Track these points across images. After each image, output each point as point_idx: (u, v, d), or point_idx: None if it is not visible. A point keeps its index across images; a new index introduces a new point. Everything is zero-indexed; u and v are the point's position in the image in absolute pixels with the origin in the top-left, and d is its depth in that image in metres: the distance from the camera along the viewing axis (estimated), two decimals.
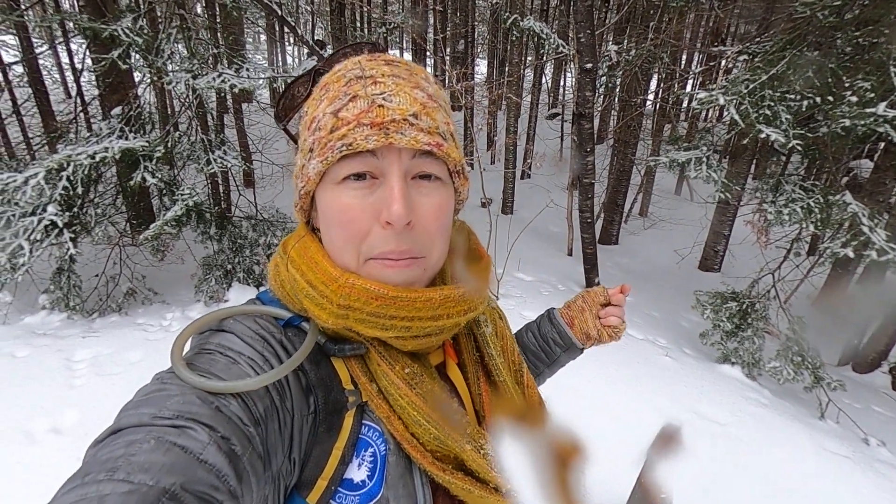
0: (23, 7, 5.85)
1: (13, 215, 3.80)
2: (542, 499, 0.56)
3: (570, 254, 6.90)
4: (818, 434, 3.31)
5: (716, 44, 6.54)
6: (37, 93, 6.31)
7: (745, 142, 3.92)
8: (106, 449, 0.38)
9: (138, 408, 0.42)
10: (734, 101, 3.37)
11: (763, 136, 3.32)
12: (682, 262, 7.25)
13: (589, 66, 4.12)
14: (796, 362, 3.88)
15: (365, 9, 8.84)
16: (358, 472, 0.53)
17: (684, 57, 10.65)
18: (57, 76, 9.73)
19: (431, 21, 9.46)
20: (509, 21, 4.62)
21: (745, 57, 4.08)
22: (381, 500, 0.53)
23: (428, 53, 9.20)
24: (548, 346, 0.93)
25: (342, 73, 0.55)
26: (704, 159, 3.91)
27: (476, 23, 13.28)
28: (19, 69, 6.91)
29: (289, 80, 0.67)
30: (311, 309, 0.54)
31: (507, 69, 7.56)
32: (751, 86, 3.43)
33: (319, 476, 0.52)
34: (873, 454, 3.33)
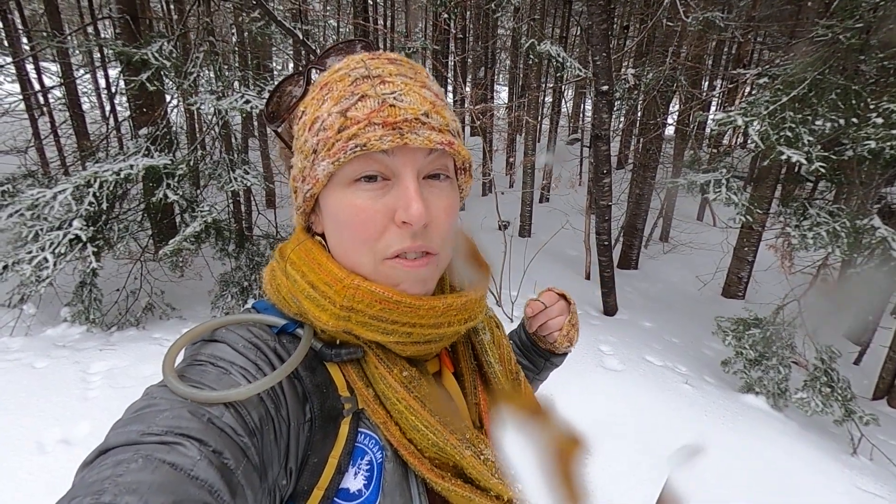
0: (65, 33, 6.20)
1: (41, 229, 3.94)
2: (547, 493, 0.55)
3: (587, 277, 6.80)
4: (850, 471, 3.12)
5: (736, 69, 6.50)
6: (73, 115, 6.63)
7: (765, 163, 3.83)
8: (94, 471, 0.37)
9: (127, 426, 0.41)
10: (753, 121, 3.32)
11: (784, 157, 3.25)
12: (705, 288, 7.07)
13: (605, 88, 4.12)
14: (825, 394, 3.69)
15: (389, 36, 9.10)
16: (354, 482, 0.52)
17: (706, 82, 10.61)
18: (95, 100, 10.23)
19: (452, 47, 9.69)
20: (526, 45, 4.69)
21: (766, 80, 4.03)
22: None
23: (448, 79, 9.39)
24: (532, 354, 0.90)
25: (345, 71, 0.54)
26: (724, 182, 3.84)
27: (497, 50, 13.53)
28: (58, 93, 7.26)
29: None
30: (311, 310, 0.53)
31: (526, 93, 7.64)
32: (770, 107, 3.37)
33: (315, 486, 0.51)
34: None
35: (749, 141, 3.53)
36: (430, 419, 0.53)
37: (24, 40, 8.51)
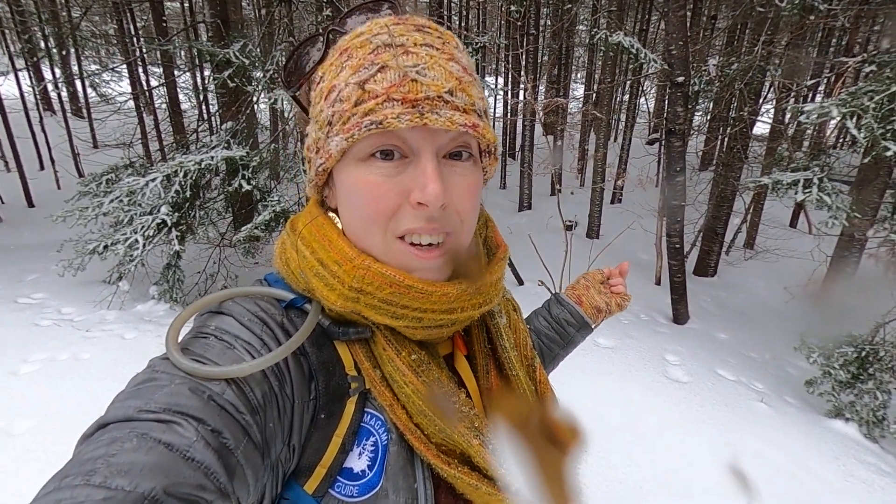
0: (166, 37, 6.82)
1: (136, 214, 4.36)
2: (534, 486, 0.53)
3: (657, 283, 6.42)
4: None
5: (842, 57, 5.81)
6: (172, 112, 7.30)
7: (866, 161, 3.39)
8: (90, 446, 0.37)
9: (126, 400, 0.41)
10: (852, 113, 2.94)
11: (889, 153, 2.86)
12: (794, 300, 6.42)
13: (681, 79, 3.85)
14: None
15: (460, 32, 9.14)
16: (358, 462, 0.51)
17: (808, 73, 9.59)
18: (194, 98, 11.21)
19: (523, 43, 9.54)
20: (597, 36, 4.50)
21: (873, 68, 3.56)
22: (380, 492, 0.51)
23: (522, 80, 9.26)
24: (561, 327, 0.95)
25: (367, 37, 0.50)
26: (815, 181, 3.43)
27: (575, 47, 13.10)
28: (159, 91, 8.02)
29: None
30: (320, 289, 0.52)
31: (597, 87, 7.34)
32: (876, 97, 2.98)
33: (318, 463, 0.50)
34: None
35: (849, 136, 3.13)
36: (438, 404, 0.52)
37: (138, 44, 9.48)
